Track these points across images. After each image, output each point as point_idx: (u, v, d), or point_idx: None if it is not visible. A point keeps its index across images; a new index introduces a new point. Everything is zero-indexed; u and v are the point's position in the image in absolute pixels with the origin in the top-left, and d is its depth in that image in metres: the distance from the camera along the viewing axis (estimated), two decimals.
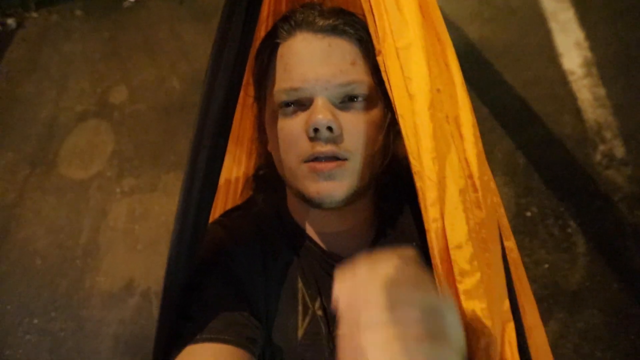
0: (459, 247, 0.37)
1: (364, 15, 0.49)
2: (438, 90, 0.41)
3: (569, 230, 1.28)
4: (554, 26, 1.61)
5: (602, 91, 1.47)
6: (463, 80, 0.42)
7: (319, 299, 0.50)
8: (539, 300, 1.19)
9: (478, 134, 0.42)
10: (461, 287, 0.37)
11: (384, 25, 0.43)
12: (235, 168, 0.70)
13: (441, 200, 0.38)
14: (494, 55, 1.59)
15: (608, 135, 1.40)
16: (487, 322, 0.36)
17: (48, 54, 1.96)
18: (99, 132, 1.71)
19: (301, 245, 0.53)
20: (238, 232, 0.53)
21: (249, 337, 0.43)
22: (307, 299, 0.50)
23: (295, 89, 0.46)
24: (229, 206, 0.67)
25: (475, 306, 0.36)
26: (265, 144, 0.56)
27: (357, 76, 0.46)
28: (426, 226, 0.39)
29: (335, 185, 0.46)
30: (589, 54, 1.54)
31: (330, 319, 0.49)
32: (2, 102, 1.86)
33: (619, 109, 1.42)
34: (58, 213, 1.55)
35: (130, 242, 1.45)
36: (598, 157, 1.37)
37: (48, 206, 1.58)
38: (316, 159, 0.46)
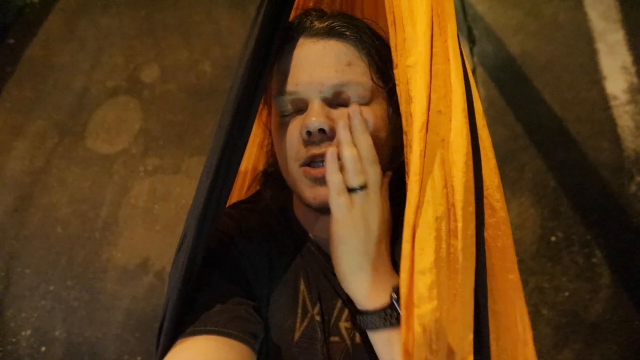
0: (422, 272, 0.37)
1: (373, 21, 0.51)
2: (439, 111, 0.40)
3: (594, 260, 1.24)
4: (601, 47, 1.55)
5: None
6: (465, 104, 0.41)
7: (318, 305, 0.50)
8: (555, 327, 1.17)
9: (471, 162, 0.41)
10: (417, 311, 0.37)
11: (401, 40, 0.43)
12: (245, 161, 0.70)
13: (416, 222, 0.38)
14: (535, 70, 1.54)
15: None
16: (433, 347, 0.37)
17: (85, 26, 1.98)
18: (127, 108, 1.72)
19: (305, 247, 0.54)
20: (246, 226, 0.53)
21: (251, 332, 0.44)
22: (308, 302, 0.50)
23: (290, 93, 0.47)
24: (235, 198, 0.68)
25: (424, 332, 0.37)
26: (273, 148, 0.56)
27: (353, 77, 0.46)
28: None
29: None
30: (635, 80, 1.48)
31: (327, 326, 0.50)
32: (37, 70, 1.89)
33: None
34: (82, 184, 1.58)
35: (149, 221, 1.47)
36: (633, 188, 1.32)
37: (73, 176, 1.60)
38: (312, 162, 0.46)
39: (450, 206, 0.39)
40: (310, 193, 0.46)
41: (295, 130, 0.47)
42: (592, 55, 1.54)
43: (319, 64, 0.46)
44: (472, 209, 0.40)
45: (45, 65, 1.90)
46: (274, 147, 0.57)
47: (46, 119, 1.75)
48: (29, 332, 1.35)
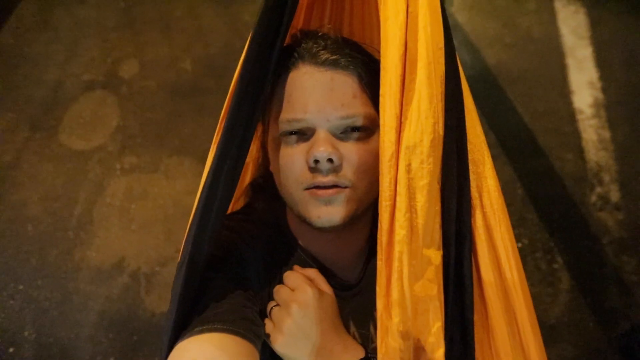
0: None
1: (369, 45, 0.53)
2: (407, 147, 0.42)
3: (556, 265, 1.32)
4: (570, 62, 1.63)
5: (607, 134, 1.50)
6: (434, 135, 0.42)
7: None
8: None
9: (437, 187, 0.43)
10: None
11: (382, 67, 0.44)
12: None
13: (388, 242, 0.42)
14: (509, 81, 1.60)
15: (606, 178, 1.43)
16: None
17: (60, 16, 1.91)
18: (104, 104, 1.68)
19: (300, 259, 0.55)
20: (245, 236, 0.54)
21: (256, 333, 0.45)
22: None
23: (298, 120, 0.48)
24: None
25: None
26: (267, 164, 0.58)
27: (358, 109, 0.48)
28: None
29: (335, 210, 0.48)
30: (600, 95, 1.56)
31: None
32: (7, 59, 1.81)
33: (620, 153, 1.46)
34: (54, 181, 1.54)
35: (125, 220, 1.45)
36: (593, 198, 1.41)
37: (45, 173, 1.56)
38: (317, 187, 0.48)
39: (413, 229, 0.42)
40: (315, 212, 0.48)
41: (300, 155, 0.48)
42: (562, 70, 1.61)
43: (329, 95, 0.47)
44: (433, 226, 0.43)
45: (16, 54, 1.82)
46: (266, 163, 0.58)
47: (17, 111, 1.68)
48: None
